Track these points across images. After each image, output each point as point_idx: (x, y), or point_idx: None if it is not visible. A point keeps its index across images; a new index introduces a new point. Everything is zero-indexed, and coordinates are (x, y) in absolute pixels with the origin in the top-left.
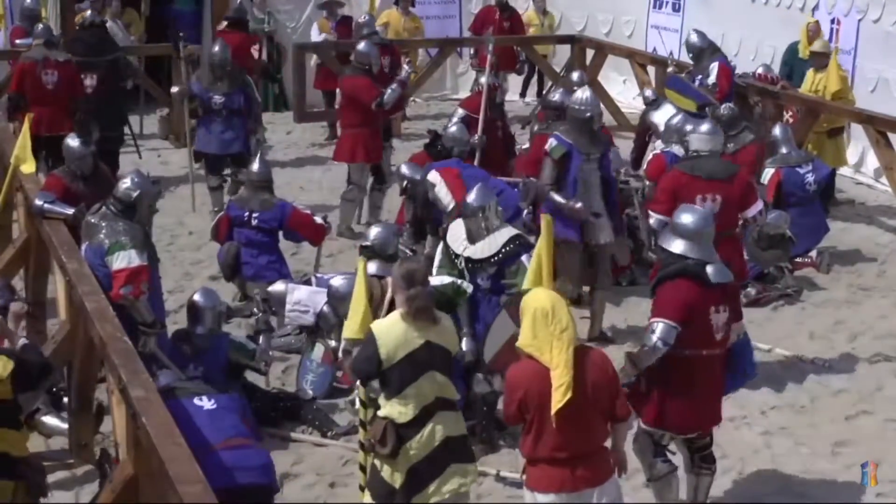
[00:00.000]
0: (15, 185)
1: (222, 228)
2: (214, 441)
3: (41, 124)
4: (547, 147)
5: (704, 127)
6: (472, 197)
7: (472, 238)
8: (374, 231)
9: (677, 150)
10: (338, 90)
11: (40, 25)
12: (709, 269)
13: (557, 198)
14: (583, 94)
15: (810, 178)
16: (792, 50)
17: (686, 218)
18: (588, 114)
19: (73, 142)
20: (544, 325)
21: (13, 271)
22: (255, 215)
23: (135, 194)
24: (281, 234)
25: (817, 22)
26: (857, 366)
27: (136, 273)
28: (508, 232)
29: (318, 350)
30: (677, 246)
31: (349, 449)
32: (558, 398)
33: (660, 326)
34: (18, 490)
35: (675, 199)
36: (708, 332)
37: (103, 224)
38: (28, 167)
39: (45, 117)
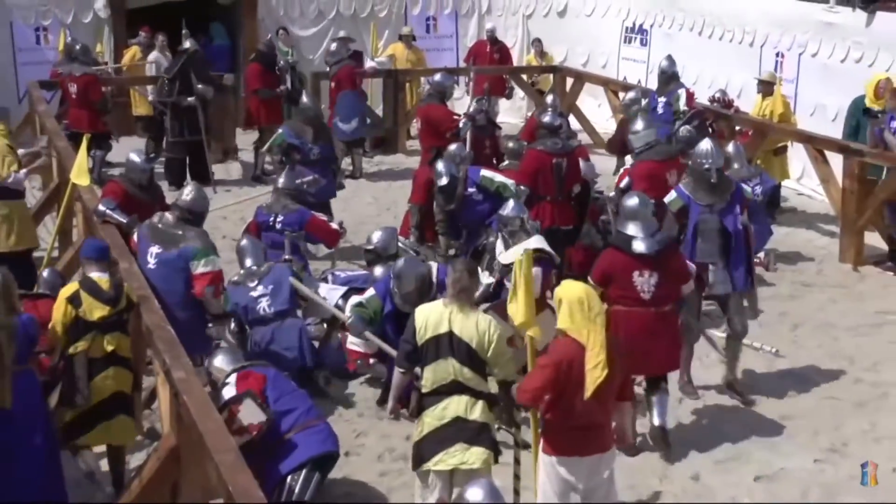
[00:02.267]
0: (74, 195)
1: (252, 232)
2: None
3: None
4: (666, 200)
5: (638, 125)
6: (507, 209)
7: (507, 245)
8: (376, 235)
9: None
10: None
11: (77, 46)
12: (634, 242)
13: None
14: (705, 146)
15: (758, 189)
16: (857, 104)
17: (629, 200)
18: (706, 166)
19: (136, 157)
20: (580, 311)
21: (73, 270)
22: (279, 219)
23: (202, 204)
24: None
25: (888, 79)
26: (799, 351)
27: (218, 276)
28: (535, 243)
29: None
30: (622, 225)
31: (361, 424)
32: (597, 374)
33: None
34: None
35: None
36: (633, 291)
37: (180, 232)
38: (84, 181)
39: (71, 118)
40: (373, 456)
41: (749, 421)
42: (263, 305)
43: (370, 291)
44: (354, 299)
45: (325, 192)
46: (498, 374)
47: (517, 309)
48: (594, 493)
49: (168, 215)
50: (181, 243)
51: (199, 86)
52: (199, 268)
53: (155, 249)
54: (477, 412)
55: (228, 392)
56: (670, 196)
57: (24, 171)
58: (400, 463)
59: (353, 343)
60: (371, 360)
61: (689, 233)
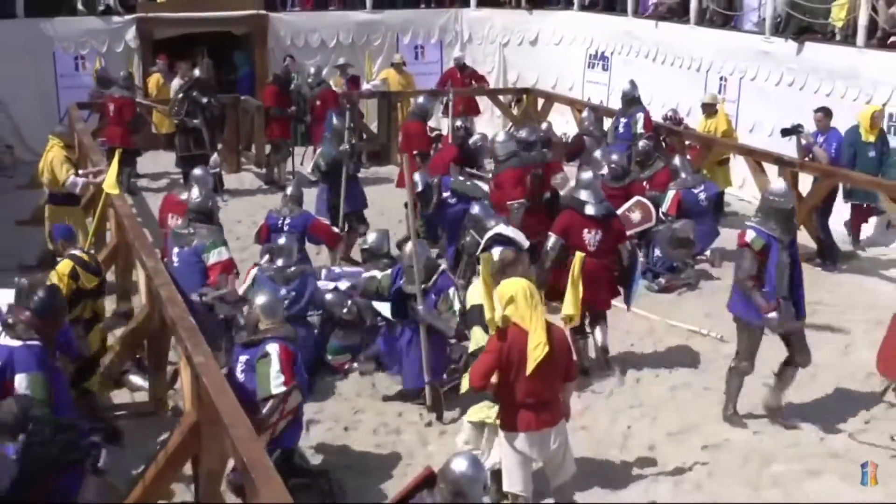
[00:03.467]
0: (108, 202)
1: (263, 233)
2: None
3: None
4: (748, 239)
5: (500, 137)
6: (475, 209)
7: (478, 239)
8: (371, 236)
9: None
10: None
11: (123, 72)
12: (587, 206)
13: (758, 298)
14: (781, 185)
15: (702, 196)
16: (854, 133)
17: (584, 174)
18: (791, 205)
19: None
20: (523, 300)
21: (107, 267)
22: (286, 222)
23: (210, 203)
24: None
25: (882, 109)
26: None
27: (229, 264)
28: (499, 229)
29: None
30: (577, 192)
31: (359, 402)
32: (538, 353)
33: (551, 238)
34: None
35: None
36: (582, 244)
37: (192, 231)
38: (114, 190)
39: (107, 134)
40: (369, 430)
41: (698, 399)
42: (284, 305)
43: (386, 272)
44: (370, 273)
45: (357, 202)
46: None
47: (568, 305)
48: (550, 462)
49: (181, 220)
50: (194, 241)
51: (205, 100)
52: (211, 259)
53: (176, 250)
54: None
55: (273, 355)
56: (751, 235)
57: (81, 179)
58: (392, 436)
59: (336, 360)
60: (352, 364)
61: (771, 271)
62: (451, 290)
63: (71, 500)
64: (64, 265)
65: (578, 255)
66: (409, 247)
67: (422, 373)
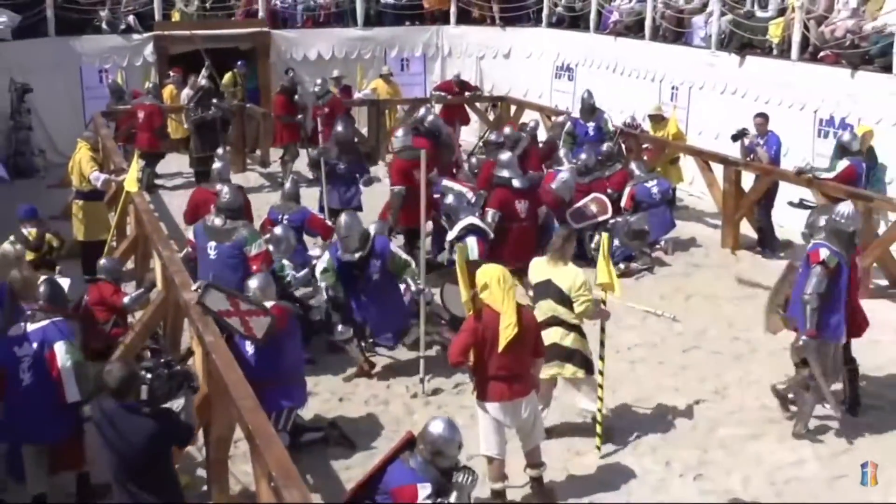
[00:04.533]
0: (128, 200)
1: (266, 227)
2: None
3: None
4: (822, 257)
5: (399, 133)
6: (448, 199)
7: (451, 227)
8: (341, 219)
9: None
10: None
11: (149, 83)
12: (514, 181)
13: (813, 318)
14: (846, 208)
15: (655, 189)
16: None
17: (503, 155)
18: (852, 228)
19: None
20: (497, 285)
21: (127, 257)
22: (285, 217)
23: (238, 200)
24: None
25: (871, 130)
26: (691, 317)
27: (268, 255)
28: (469, 220)
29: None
30: (500, 171)
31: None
32: (508, 332)
33: (490, 212)
34: None
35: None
36: (515, 213)
37: (230, 226)
38: (133, 187)
39: (137, 139)
40: (361, 401)
41: (653, 372)
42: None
43: (325, 255)
44: (319, 268)
45: (350, 200)
46: (577, 309)
47: (602, 275)
48: (522, 429)
49: (215, 217)
50: (234, 236)
51: (214, 104)
52: (253, 251)
53: (213, 244)
54: (569, 340)
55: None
56: (825, 253)
57: (103, 175)
58: (381, 406)
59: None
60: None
61: (841, 288)
62: (393, 248)
63: None
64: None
65: (605, 235)
66: (342, 217)
67: (388, 324)
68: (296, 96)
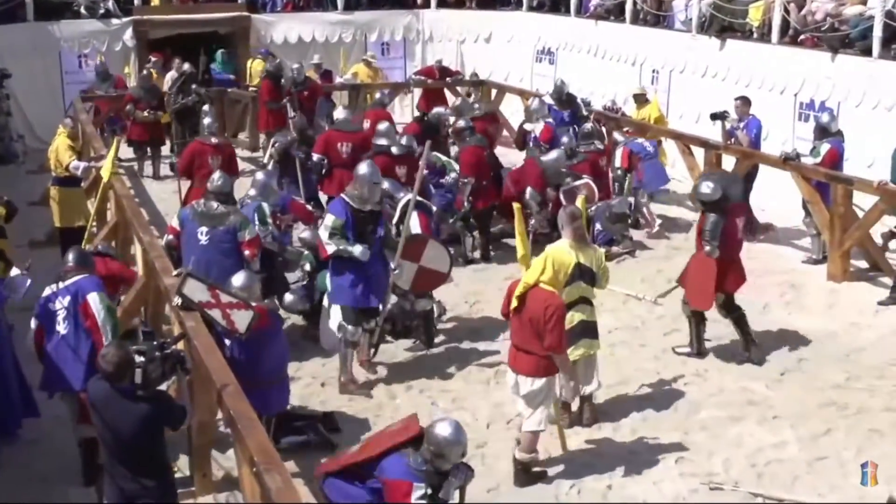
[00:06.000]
0: (108, 185)
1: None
2: None
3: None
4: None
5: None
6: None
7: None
8: (364, 169)
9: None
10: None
11: (145, 71)
12: (392, 148)
13: None
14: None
15: (647, 143)
16: None
17: (380, 125)
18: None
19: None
20: (542, 261)
21: (108, 241)
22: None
23: (228, 184)
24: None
25: None
26: (672, 300)
27: (260, 240)
28: (402, 202)
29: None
30: (378, 140)
31: (334, 361)
32: (513, 302)
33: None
34: None
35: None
36: (396, 177)
37: (222, 211)
38: (107, 175)
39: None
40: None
41: (634, 355)
42: None
43: (329, 216)
44: (324, 230)
45: (309, 189)
46: (599, 283)
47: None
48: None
49: (206, 202)
50: (227, 220)
51: (194, 90)
52: (247, 236)
53: (204, 229)
54: (591, 313)
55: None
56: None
57: (83, 163)
58: (363, 389)
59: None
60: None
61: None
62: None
63: None
64: None
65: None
66: (364, 168)
67: (381, 287)
68: (282, 80)
